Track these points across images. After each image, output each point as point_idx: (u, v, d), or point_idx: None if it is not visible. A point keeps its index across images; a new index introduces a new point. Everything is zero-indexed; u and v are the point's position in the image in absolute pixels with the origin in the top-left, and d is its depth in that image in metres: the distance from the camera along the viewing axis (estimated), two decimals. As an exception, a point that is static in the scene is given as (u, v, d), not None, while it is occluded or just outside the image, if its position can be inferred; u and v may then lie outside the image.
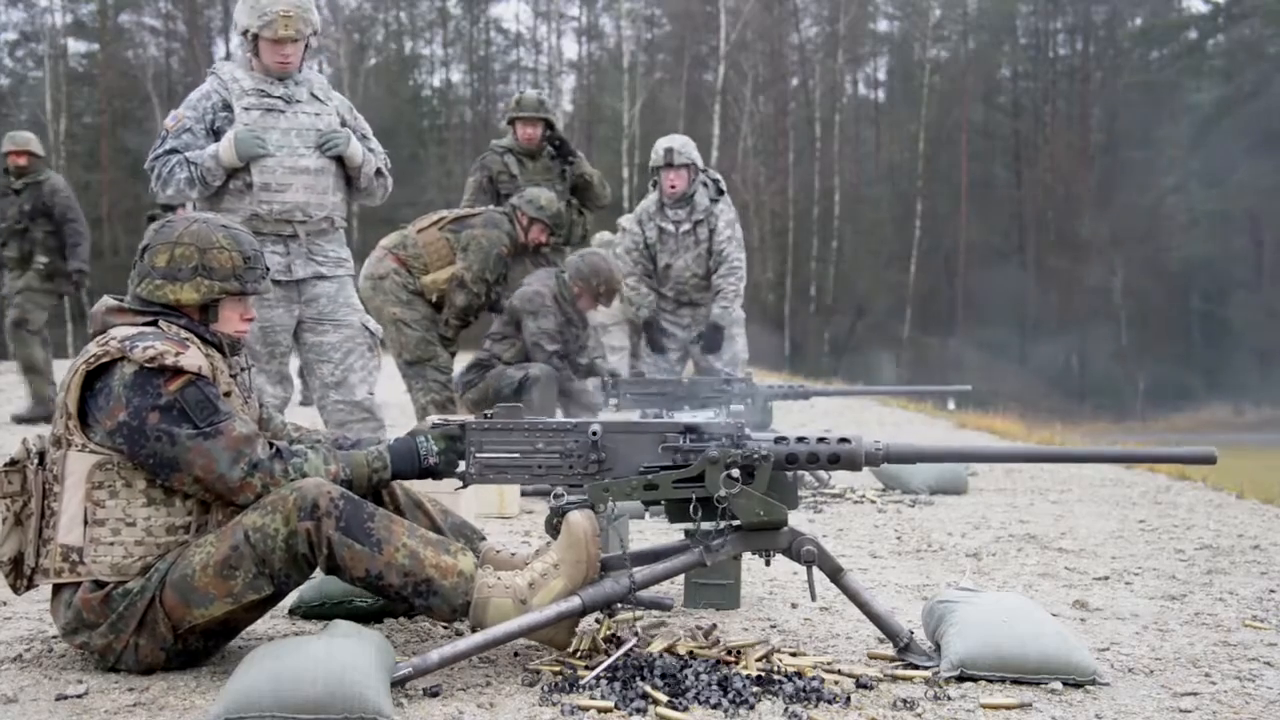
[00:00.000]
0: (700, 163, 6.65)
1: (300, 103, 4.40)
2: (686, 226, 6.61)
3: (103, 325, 2.58)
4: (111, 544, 2.46)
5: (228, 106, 4.33)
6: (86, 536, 2.46)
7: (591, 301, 6.09)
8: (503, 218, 6.24)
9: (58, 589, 2.52)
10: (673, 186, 6.54)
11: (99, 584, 2.46)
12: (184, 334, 2.56)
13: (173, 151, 4.27)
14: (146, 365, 2.43)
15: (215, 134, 4.32)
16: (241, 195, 4.32)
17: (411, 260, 6.35)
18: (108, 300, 2.64)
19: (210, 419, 2.46)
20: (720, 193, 6.69)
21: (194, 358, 2.48)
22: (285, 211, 4.36)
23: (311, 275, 4.47)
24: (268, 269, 2.74)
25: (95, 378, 2.49)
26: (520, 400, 5.77)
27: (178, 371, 2.45)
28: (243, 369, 2.77)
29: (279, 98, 4.36)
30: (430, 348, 6.26)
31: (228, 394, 2.60)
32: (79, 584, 2.47)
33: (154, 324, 2.57)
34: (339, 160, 4.47)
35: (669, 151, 6.54)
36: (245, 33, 4.35)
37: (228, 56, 5.17)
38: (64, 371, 2.64)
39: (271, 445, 2.55)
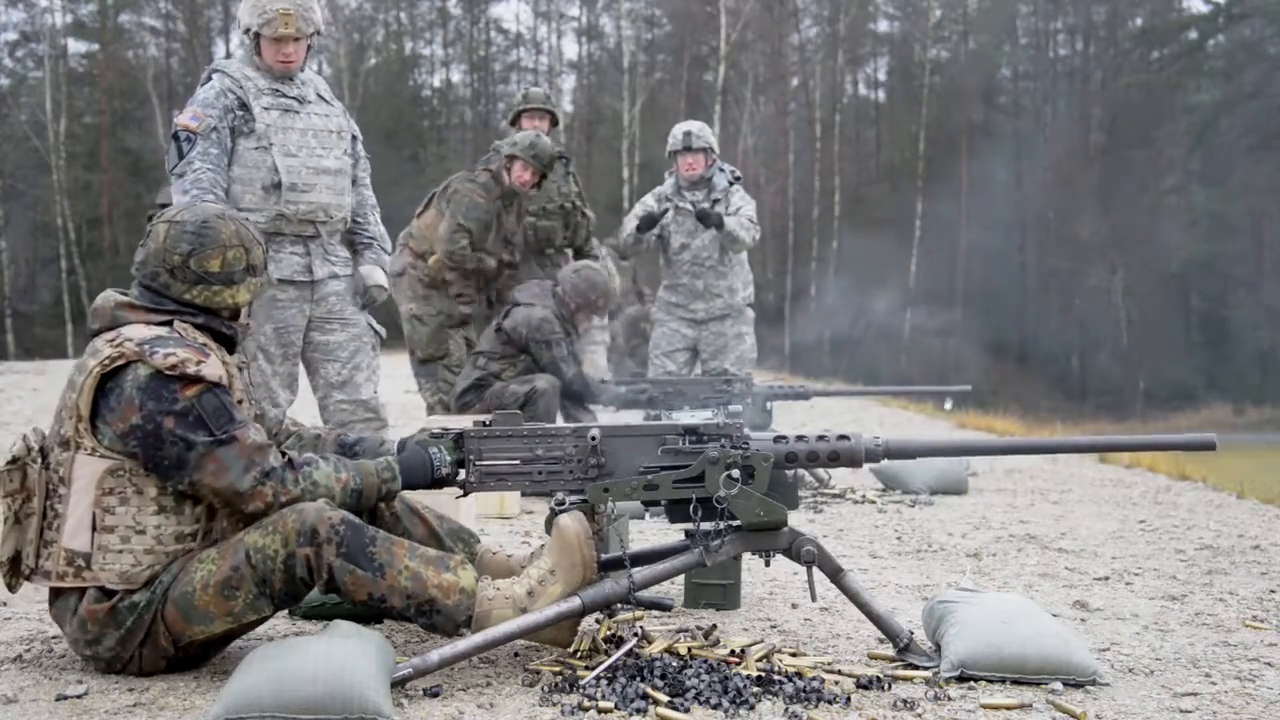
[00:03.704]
0: (717, 148, 6.65)
1: (311, 103, 4.36)
2: (705, 206, 6.59)
3: (112, 320, 2.52)
4: (120, 551, 2.43)
5: (244, 106, 4.21)
6: (94, 543, 2.43)
7: (589, 315, 5.97)
8: (482, 173, 6.26)
9: (59, 592, 2.49)
10: (691, 169, 6.53)
11: (104, 592, 2.43)
12: (201, 338, 2.53)
13: (204, 156, 4.08)
14: (167, 372, 2.40)
15: (231, 133, 4.20)
16: (268, 195, 4.22)
17: (421, 246, 6.35)
18: (115, 295, 2.57)
19: (226, 427, 2.43)
20: (736, 179, 6.70)
21: (214, 367, 2.45)
22: (310, 212, 4.30)
23: (328, 275, 4.45)
24: None
25: (106, 379, 2.43)
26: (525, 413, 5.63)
27: (196, 379, 2.42)
28: (243, 366, 2.76)
29: (294, 98, 4.30)
30: (443, 345, 6.25)
31: (240, 401, 2.59)
32: (82, 590, 2.44)
33: (169, 324, 2.52)
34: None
35: (688, 135, 6.52)
36: (247, 31, 4.28)
37: (228, 56, 5.15)
38: (62, 372, 2.63)
39: (283, 454, 2.53)
